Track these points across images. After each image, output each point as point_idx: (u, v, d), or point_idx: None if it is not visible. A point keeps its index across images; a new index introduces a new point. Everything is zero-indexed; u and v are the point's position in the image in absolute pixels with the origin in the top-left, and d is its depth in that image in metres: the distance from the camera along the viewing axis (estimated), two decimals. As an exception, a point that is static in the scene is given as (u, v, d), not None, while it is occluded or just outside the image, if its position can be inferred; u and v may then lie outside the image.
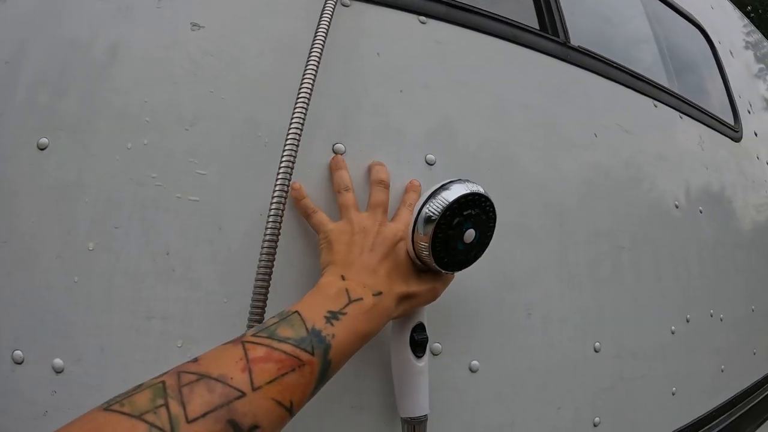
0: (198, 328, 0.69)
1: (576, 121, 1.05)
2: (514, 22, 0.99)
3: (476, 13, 0.94)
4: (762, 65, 2.47)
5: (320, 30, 0.74)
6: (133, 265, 0.69)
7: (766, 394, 1.57)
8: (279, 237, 0.66)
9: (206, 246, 0.71)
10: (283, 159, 0.67)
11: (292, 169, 0.67)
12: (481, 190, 0.69)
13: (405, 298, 0.67)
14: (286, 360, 0.49)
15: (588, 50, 1.11)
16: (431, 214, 0.65)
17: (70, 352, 0.67)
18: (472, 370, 0.82)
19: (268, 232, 0.66)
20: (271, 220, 0.66)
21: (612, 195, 1.08)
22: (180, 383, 0.43)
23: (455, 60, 0.90)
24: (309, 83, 0.71)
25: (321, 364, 0.52)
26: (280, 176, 0.67)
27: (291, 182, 0.69)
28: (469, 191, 0.67)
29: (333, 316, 0.56)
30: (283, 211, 0.66)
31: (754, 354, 1.56)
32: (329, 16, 0.76)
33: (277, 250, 0.66)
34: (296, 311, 0.55)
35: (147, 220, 0.70)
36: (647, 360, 1.09)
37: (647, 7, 1.56)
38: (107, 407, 0.40)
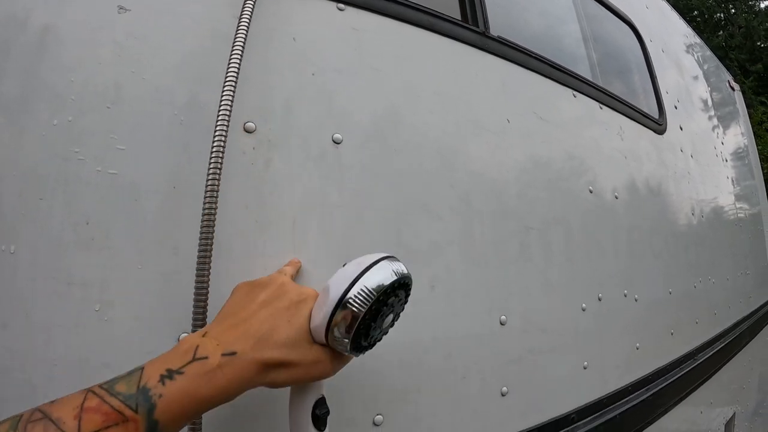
0: (114, 292, 0.72)
1: (489, 107, 1.09)
2: (433, 12, 1.03)
3: (395, 2, 0.98)
4: (698, 66, 2.56)
5: (244, 14, 0.78)
6: (56, 234, 0.72)
7: (683, 372, 1.63)
8: (215, 223, 0.71)
9: (123, 216, 0.74)
10: (215, 142, 0.72)
11: (223, 151, 0.71)
12: (405, 272, 0.64)
13: (276, 365, 0.61)
14: (111, 414, 0.51)
15: (507, 40, 1.15)
16: (355, 309, 0.60)
17: (-2, 319, 0.69)
18: (373, 338, 0.85)
19: (204, 219, 0.71)
20: (206, 204, 0.71)
21: (522, 178, 1.12)
22: (30, 419, 0.49)
23: (370, 46, 0.94)
24: (235, 67, 0.75)
25: (146, 422, 0.53)
26: (212, 159, 0.71)
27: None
28: (395, 278, 0.62)
29: (168, 375, 0.55)
30: (217, 194, 0.71)
31: (672, 334, 1.63)
32: (253, 2, 0.79)
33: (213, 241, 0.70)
34: (143, 367, 0.56)
35: (69, 193, 0.73)
36: (556, 334, 1.14)
37: (577, 2, 1.60)
38: None
